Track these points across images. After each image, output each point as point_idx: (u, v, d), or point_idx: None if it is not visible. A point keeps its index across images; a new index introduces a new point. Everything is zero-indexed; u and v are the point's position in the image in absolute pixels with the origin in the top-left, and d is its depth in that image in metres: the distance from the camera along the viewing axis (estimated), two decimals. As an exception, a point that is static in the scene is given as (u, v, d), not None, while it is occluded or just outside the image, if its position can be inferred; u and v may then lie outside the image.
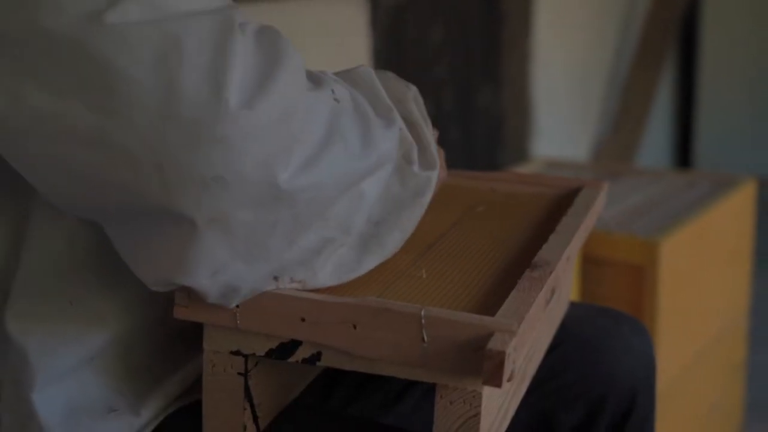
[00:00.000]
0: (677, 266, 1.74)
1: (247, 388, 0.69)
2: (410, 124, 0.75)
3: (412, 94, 0.77)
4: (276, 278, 0.65)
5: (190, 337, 0.74)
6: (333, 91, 0.64)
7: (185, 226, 0.58)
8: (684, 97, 3.60)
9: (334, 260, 0.68)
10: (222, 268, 0.61)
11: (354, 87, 0.71)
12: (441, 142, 0.85)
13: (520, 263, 0.74)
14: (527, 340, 0.64)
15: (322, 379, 0.87)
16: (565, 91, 2.87)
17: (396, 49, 2.21)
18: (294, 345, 0.66)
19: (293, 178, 0.60)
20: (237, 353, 0.68)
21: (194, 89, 0.55)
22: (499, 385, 0.57)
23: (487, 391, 0.63)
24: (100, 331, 0.71)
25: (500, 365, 0.57)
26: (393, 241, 0.72)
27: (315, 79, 0.65)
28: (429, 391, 0.88)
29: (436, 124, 0.84)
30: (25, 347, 0.69)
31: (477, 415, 0.62)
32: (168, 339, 0.75)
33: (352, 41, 2.05)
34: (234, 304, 0.65)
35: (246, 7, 1.76)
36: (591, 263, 1.76)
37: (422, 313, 0.61)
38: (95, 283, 0.71)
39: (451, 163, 0.98)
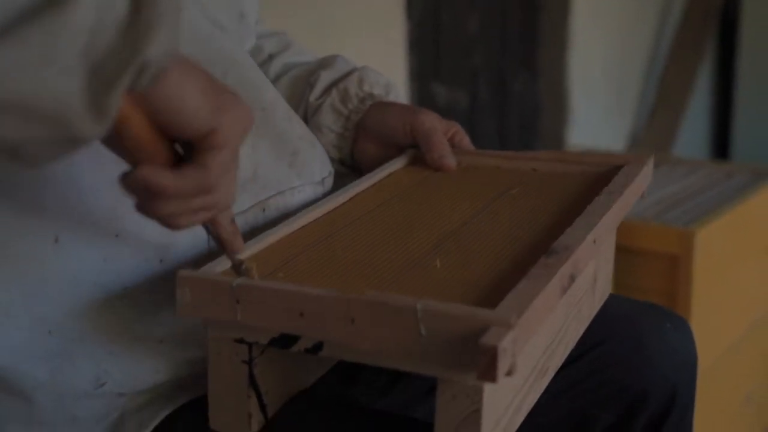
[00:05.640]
0: (713, 256, 1.73)
1: (251, 376, 0.68)
2: None
3: None
4: None
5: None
6: None
7: None
8: (722, 86, 3.55)
9: None
10: None
11: None
12: (476, 131, 0.80)
13: (542, 248, 0.71)
14: (532, 333, 0.61)
15: (344, 368, 0.84)
16: (602, 80, 2.85)
17: (432, 38, 2.21)
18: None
19: None
20: (241, 341, 0.67)
21: None
22: (494, 380, 0.55)
23: (491, 386, 0.60)
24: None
25: (493, 360, 0.55)
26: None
27: None
28: None
29: (470, 113, 0.81)
30: None
31: (478, 411, 0.60)
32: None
33: (387, 31, 2.06)
34: None
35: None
36: (625, 253, 1.75)
37: (418, 306, 0.59)
38: None
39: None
